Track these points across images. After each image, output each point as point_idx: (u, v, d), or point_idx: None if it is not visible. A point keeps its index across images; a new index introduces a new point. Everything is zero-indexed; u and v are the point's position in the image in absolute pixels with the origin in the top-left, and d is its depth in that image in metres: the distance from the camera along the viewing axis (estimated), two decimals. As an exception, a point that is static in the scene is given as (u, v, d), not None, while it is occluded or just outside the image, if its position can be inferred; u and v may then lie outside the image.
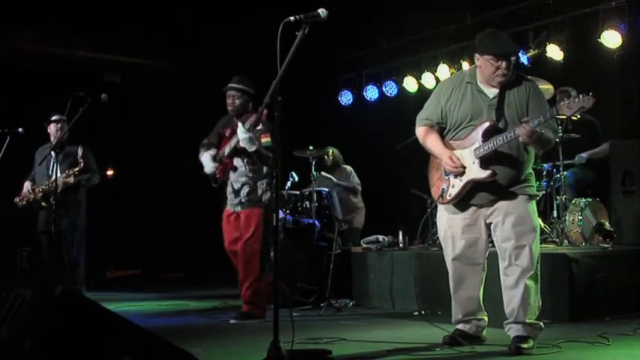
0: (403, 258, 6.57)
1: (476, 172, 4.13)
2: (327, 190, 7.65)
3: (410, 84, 9.63)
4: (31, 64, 9.81)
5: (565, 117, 5.99)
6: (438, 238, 5.30)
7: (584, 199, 6.50)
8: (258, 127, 5.27)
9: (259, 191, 5.79)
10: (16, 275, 8.22)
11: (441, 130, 4.36)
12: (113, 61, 10.43)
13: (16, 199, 7.32)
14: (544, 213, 6.49)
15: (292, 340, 3.74)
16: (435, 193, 4.37)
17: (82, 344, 2.91)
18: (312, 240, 7.04)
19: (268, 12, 7.49)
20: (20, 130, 6.42)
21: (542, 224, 5.86)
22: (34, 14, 9.22)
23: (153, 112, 10.22)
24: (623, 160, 6.42)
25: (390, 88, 10.00)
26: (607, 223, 6.21)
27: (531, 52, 8.17)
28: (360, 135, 9.89)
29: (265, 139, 5.56)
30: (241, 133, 5.46)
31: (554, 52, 7.91)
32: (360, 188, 8.40)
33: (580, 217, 6.38)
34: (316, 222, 7.13)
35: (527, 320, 4.11)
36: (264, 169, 5.79)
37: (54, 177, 6.62)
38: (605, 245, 5.83)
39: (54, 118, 7.25)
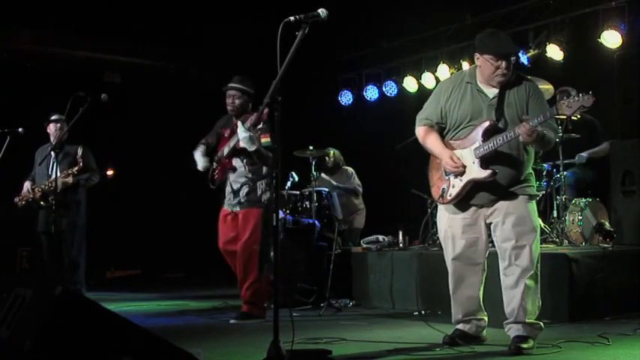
0: (403, 258, 6.57)
1: (476, 171, 4.13)
2: (327, 190, 7.65)
3: (410, 84, 9.63)
4: (31, 64, 9.81)
5: (565, 117, 5.99)
6: (438, 238, 5.30)
7: (584, 199, 6.50)
8: (259, 127, 5.26)
9: (259, 191, 5.79)
10: (16, 275, 8.22)
11: (441, 130, 4.36)
12: (113, 61, 10.44)
13: (16, 199, 7.33)
14: (544, 213, 6.49)
15: (292, 340, 3.74)
16: (435, 193, 4.37)
17: (82, 344, 2.92)
18: (312, 240, 7.04)
19: (268, 12, 7.49)
20: (20, 130, 6.42)
21: (542, 224, 5.86)
22: (34, 14, 9.23)
23: (153, 112, 10.22)
24: (623, 160, 6.42)
25: (390, 88, 10.00)
26: (607, 223, 6.21)
27: (531, 52, 8.18)
28: (360, 135, 9.89)
29: (265, 139, 5.56)
30: (241, 133, 5.46)
31: (554, 52, 7.92)
32: (360, 190, 8.39)
33: (580, 217, 6.38)
34: (316, 222, 7.13)
35: (527, 320, 4.11)
36: (264, 169, 5.79)
37: (53, 177, 6.62)
38: (605, 245, 5.83)
39: (53, 117, 7.26)
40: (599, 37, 7.42)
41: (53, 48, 9.92)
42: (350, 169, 8.51)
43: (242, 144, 5.56)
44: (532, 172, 4.32)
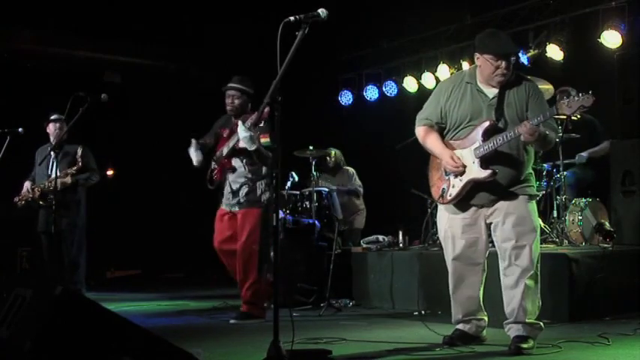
0: (403, 258, 6.57)
1: (476, 171, 4.13)
2: (327, 190, 7.64)
3: (410, 84, 9.63)
4: (31, 64, 9.81)
5: (565, 116, 5.99)
6: (438, 238, 5.30)
7: (584, 199, 6.50)
8: (260, 125, 5.26)
9: (258, 191, 5.78)
10: (16, 275, 8.22)
11: (441, 130, 4.36)
12: (113, 61, 10.44)
13: (16, 199, 7.33)
14: (544, 213, 6.49)
15: (292, 340, 3.74)
16: (435, 193, 4.37)
17: (82, 344, 2.92)
18: (312, 240, 7.04)
19: (268, 12, 7.49)
20: (20, 130, 6.42)
21: (542, 224, 5.86)
22: (34, 14, 9.22)
23: (153, 112, 10.22)
24: (623, 160, 6.42)
25: (390, 88, 10.00)
26: (607, 223, 6.21)
27: (531, 52, 8.17)
28: (360, 135, 9.89)
29: (264, 139, 5.56)
30: (242, 132, 5.44)
31: (554, 52, 7.92)
32: (361, 190, 8.38)
33: (580, 217, 6.38)
34: (316, 222, 7.13)
35: (527, 320, 4.11)
36: (263, 169, 5.79)
37: (53, 176, 6.62)
38: (605, 245, 5.83)
39: (53, 117, 7.26)
40: (599, 37, 7.42)
41: (53, 48, 9.92)
42: (351, 170, 8.50)
43: (242, 143, 5.56)
44: (532, 172, 4.32)
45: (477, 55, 4.21)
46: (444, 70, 9.05)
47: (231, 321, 5.65)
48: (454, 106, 4.26)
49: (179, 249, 10.18)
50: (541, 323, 4.19)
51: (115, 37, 9.93)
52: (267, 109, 4.17)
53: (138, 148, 10.06)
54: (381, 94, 10.14)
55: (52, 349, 2.85)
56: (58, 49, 9.95)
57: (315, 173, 7.65)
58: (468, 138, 4.19)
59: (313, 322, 5.67)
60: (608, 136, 6.85)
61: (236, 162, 5.81)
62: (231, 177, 5.83)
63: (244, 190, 5.78)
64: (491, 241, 4.33)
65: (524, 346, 4.03)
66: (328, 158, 8.42)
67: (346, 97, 10.57)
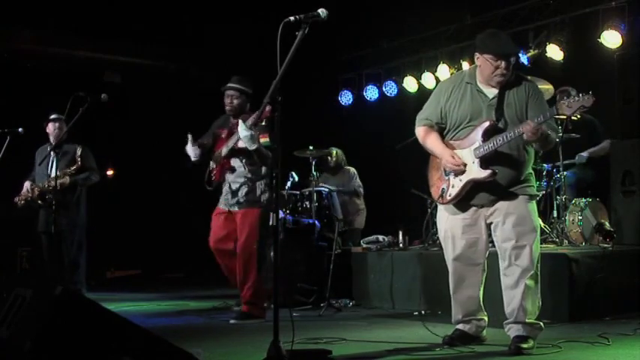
0: (403, 258, 6.57)
1: (476, 171, 4.13)
2: (327, 190, 7.64)
3: (410, 84, 9.63)
4: (31, 64, 9.81)
5: (565, 117, 5.99)
6: (438, 238, 5.30)
7: (584, 199, 6.50)
8: (261, 124, 5.25)
9: (258, 191, 5.78)
10: (16, 275, 8.22)
11: (441, 130, 4.36)
12: (113, 61, 10.43)
13: (16, 199, 7.33)
14: (544, 213, 6.49)
15: (292, 340, 3.74)
16: (434, 193, 4.37)
17: (82, 344, 2.92)
18: (312, 240, 7.03)
19: (268, 12, 7.49)
20: (20, 130, 6.42)
21: (542, 224, 5.86)
22: (34, 14, 9.22)
23: (153, 112, 10.22)
24: (623, 160, 6.42)
25: (390, 88, 10.00)
26: (607, 223, 6.21)
27: (531, 52, 8.18)
28: (360, 135, 9.89)
29: (264, 139, 5.55)
30: (243, 131, 5.43)
31: (554, 52, 7.92)
32: (362, 191, 8.37)
33: (580, 217, 6.38)
34: (316, 222, 7.13)
35: (527, 320, 4.11)
36: (263, 169, 5.79)
37: (52, 175, 6.63)
38: (605, 245, 5.83)
39: (52, 117, 7.27)
40: (599, 37, 7.42)
41: (53, 48, 9.92)
42: (352, 170, 8.49)
43: (242, 143, 5.55)
44: (532, 172, 4.32)
45: (477, 54, 4.21)
46: (444, 70, 9.05)
47: (231, 321, 5.65)
48: (454, 107, 4.26)
49: (179, 249, 10.18)
50: (541, 323, 4.19)
51: (115, 37, 9.93)
52: (268, 108, 4.16)
53: (138, 148, 10.06)
54: (381, 94, 10.14)
55: (52, 349, 2.85)
56: (58, 49, 9.94)
57: (315, 173, 7.65)
58: (467, 138, 4.19)
59: (313, 322, 5.67)
60: (608, 135, 6.85)
61: (235, 162, 5.81)
62: (230, 177, 5.83)
63: (244, 190, 5.78)
64: (492, 241, 4.33)
65: (524, 346, 4.03)
66: (329, 158, 8.41)
67: (346, 97, 10.57)
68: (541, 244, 4.60)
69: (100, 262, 9.19)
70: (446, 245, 4.38)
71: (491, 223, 4.23)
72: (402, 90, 9.78)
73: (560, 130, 6.27)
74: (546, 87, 6.32)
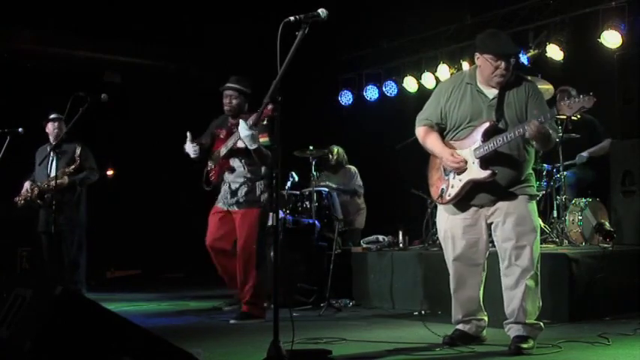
0: (403, 258, 6.57)
1: (475, 172, 4.12)
2: (327, 190, 7.65)
3: (410, 84, 9.63)
4: (31, 64, 9.81)
5: (565, 116, 5.99)
6: (438, 238, 5.29)
7: (584, 199, 6.50)
8: (263, 124, 5.25)
9: (257, 191, 5.78)
10: (16, 275, 8.22)
11: (441, 130, 4.36)
12: (113, 61, 10.43)
13: (16, 199, 7.33)
14: (544, 213, 6.49)
15: (292, 340, 3.74)
16: (434, 193, 4.37)
17: (82, 344, 2.92)
18: (312, 240, 7.03)
19: (268, 12, 7.49)
20: (20, 130, 6.42)
21: (542, 224, 5.86)
22: (34, 14, 9.22)
23: (153, 112, 10.22)
24: (623, 160, 6.42)
25: (390, 88, 10.00)
26: (607, 223, 6.21)
27: (531, 52, 8.17)
28: (360, 135, 9.89)
29: (263, 139, 5.55)
30: (244, 131, 5.42)
31: (554, 52, 7.91)
32: (361, 191, 8.36)
33: (580, 217, 6.38)
34: (316, 222, 7.13)
35: (527, 321, 4.11)
36: (262, 169, 5.79)
37: (52, 175, 6.63)
38: (605, 245, 5.82)
39: (51, 117, 7.27)
40: (599, 37, 7.42)
41: (53, 48, 9.92)
42: (353, 169, 8.47)
43: (242, 142, 5.55)
44: (532, 172, 4.32)
45: (477, 55, 4.21)
46: (444, 70, 9.05)
47: (231, 321, 5.65)
48: (454, 107, 4.26)
49: (179, 249, 10.17)
50: (541, 323, 4.19)
51: (115, 37, 9.93)
52: (270, 107, 4.16)
53: (138, 148, 10.06)
54: (381, 94, 10.14)
55: (52, 349, 2.85)
56: (58, 49, 9.94)
57: (315, 173, 7.65)
58: (467, 138, 4.19)
59: (313, 322, 5.67)
60: (608, 135, 6.85)
61: (234, 162, 5.80)
62: (230, 177, 5.83)
63: (243, 189, 5.78)
64: (492, 241, 4.33)
65: (524, 346, 4.03)
66: (330, 156, 8.40)
67: (346, 97, 10.57)
68: (541, 244, 4.60)
69: (100, 262, 9.19)
70: (446, 245, 4.38)
71: (491, 223, 4.23)
72: (402, 90, 9.78)
73: (560, 130, 6.27)
74: (546, 87, 6.33)
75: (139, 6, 9.47)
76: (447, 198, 4.25)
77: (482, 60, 4.17)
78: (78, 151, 7.06)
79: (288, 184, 7.61)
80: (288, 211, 7.23)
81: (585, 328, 4.70)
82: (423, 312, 5.77)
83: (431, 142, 4.33)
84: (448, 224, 4.34)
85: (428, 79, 9.29)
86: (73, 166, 7.02)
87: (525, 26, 8.37)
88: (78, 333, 2.93)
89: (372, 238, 7.14)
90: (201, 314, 6.36)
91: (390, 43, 10.01)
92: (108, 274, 10.22)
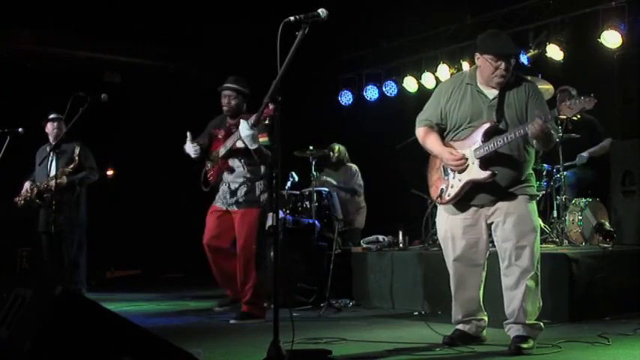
0: (403, 258, 6.57)
1: (475, 172, 4.12)
2: (327, 190, 7.65)
3: (410, 84, 9.63)
4: (31, 64, 9.80)
5: (565, 117, 5.99)
6: (437, 238, 5.29)
7: (584, 199, 6.50)
8: (265, 122, 5.25)
9: (257, 191, 5.78)
10: (16, 275, 8.22)
11: (441, 131, 4.36)
12: (113, 61, 10.43)
13: (16, 199, 7.33)
14: (544, 213, 6.49)
15: (292, 340, 3.74)
16: (433, 193, 4.37)
17: (82, 344, 2.91)
18: (312, 240, 7.03)
19: (268, 12, 7.49)
20: (20, 130, 6.42)
21: (542, 224, 5.86)
22: (34, 14, 9.22)
23: (153, 112, 10.21)
24: (623, 160, 6.42)
25: (390, 88, 10.00)
26: (607, 223, 6.21)
27: (531, 52, 8.17)
28: (360, 135, 9.89)
29: (263, 139, 5.55)
30: (245, 130, 5.41)
31: (554, 52, 7.91)
32: (361, 190, 8.36)
33: (580, 217, 6.38)
34: (316, 222, 7.13)
35: (527, 321, 4.11)
36: (262, 169, 5.79)
37: (51, 174, 6.63)
38: (605, 245, 5.83)
39: (51, 116, 7.28)
40: (599, 37, 7.42)
41: (53, 48, 9.91)
42: (354, 167, 8.47)
43: (241, 143, 5.55)
44: (532, 172, 4.32)
45: (477, 55, 4.21)
46: (444, 70, 9.04)
47: (231, 321, 5.65)
48: (454, 108, 4.26)
49: (179, 249, 10.16)
50: (541, 323, 4.19)
51: (115, 37, 9.93)
52: (271, 107, 4.15)
53: (138, 148, 10.06)
54: (381, 94, 10.14)
55: (52, 349, 2.85)
56: (58, 49, 9.94)
57: (315, 173, 7.65)
58: (468, 139, 4.18)
59: (313, 322, 5.67)
60: (608, 134, 6.85)
61: (233, 162, 5.80)
62: (229, 177, 5.82)
63: (243, 189, 5.78)
64: (492, 241, 4.33)
65: (524, 346, 4.03)
66: (331, 153, 8.39)
67: (346, 97, 10.57)
68: (541, 244, 4.60)
69: (100, 262, 9.19)
70: (446, 246, 4.38)
71: (491, 223, 4.23)
72: (402, 90, 9.78)
73: (560, 130, 6.27)
74: (546, 87, 6.33)
75: (139, 6, 9.47)
76: (447, 198, 4.25)
77: (483, 60, 4.17)
78: (77, 150, 7.06)
79: (288, 184, 7.61)
80: (288, 211, 7.23)
81: (585, 328, 4.70)
82: (422, 312, 5.77)
83: (430, 142, 4.33)
84: (448, 224, 4.34)
85: (428, 79, 9.29)
86: (71, 166, 7.02)
87: (525, 26, 8.36)
88: (78, 333, 2.93)
89: (372, 238, 7.14)
90: (201, 314, 6.36)
91: (390, 43, 10.01)
92: (108, 274, 10.21)
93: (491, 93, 4.20)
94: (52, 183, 6.72)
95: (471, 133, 4.17)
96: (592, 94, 3.88)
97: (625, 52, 6.97)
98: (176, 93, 10.44)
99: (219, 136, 5.88)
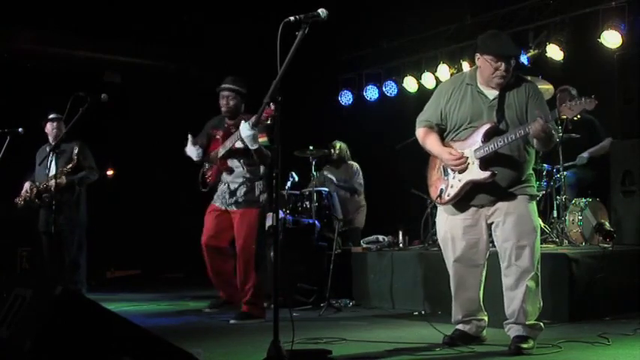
0: (403, 258, 6.57)
1: (475, 172, 4.12)
2: (327, 190, 7.65)
3: (410, 84, 9.63)
4: (31, 64, 9.80)
5: (565, 117, 5.99)
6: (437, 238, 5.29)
7: (584, 199, 6.50)
8: (267, 122, 5.26)
9: (257, 191, 5.78)
10: (16, 275, 8.22)
11: (441, 131, 4.36)
12: (113, 61, 10.43)
13: (16, 199, 7.33)
14: (544, 213, 6.49)
15: (292, 340, 3.74)
16: (433, 193, 4.37)
17: (82, 344, 2.91)
18: (312, 240, 7.04)
19: (268, 12, 7.49)
20: (20, 130, 6.42)
21: (542, 224, 5.86)
22: (34, 14, 9.22)
23: (153, 112, 10.22)
24: (623, 160, 6.43)
25: (390, 88, 10.00)
26: (607, 223, 6.21)
27: (531, 52, 8.17)
28: (360, 135, 9.88)
29: (262, 139, 5.55)
30: (246, 131, 5.40)
31: (554, 52, 7.91)
32: (361, 189, 8.36)
33: (580, 217, 6.38)
34: (316, 222, 7.13)
35: (527, 322, 4.11)
36: (262, 169, 5.79)
37: (50, 174, 6.63)
38: (605, 245, 5.83)
39: (50, 116, 7.27)
40: (599, 37, 7.42)
41: (53, 48, 9.91)
42: (355, 165, 8.46)
43: (240, 143, 5.55)
44: (532, 172, 4.32)
45: (477, 55, 4.21)
46: (444, 70, 9.04)
47: (231, 321, 5.65)
48: (454, 108, 4.26)
49: (179, 249, 10.16)
50: (541, 323, 4.19)
51: (115, 37, 9.93)
52: (272, 106, 4.15)
53: (138, 148, 10.06)
54: (381, 94, 10.14)
55: (52, 349, 2.85)
56: (58, 49, 9.94)
57: (315, 173, 7.65)
58: (468, 139, 4.18)
59: (313, 322, 5.67)
60: (608, 134, 6.85)
61: (233, 162, 5.80)
62: (228, 177, 5.82)
63: (242, 189, 5.78)
64: (492, 241, 4.32)
65: (524, 346, 4.03)
66: (332, 150, 8.38)
67: (346, 97, 10.57)
68: (541, 244, 4.59)
69: (100, 262, 9.19)
70: (445, 246, 4.38)
71: (491, 223, 4.23)
72: (402, 90, 9.78)
73: (560, 130, 6.27)
74: (546, 87, 6.33)
75: (139, 6, 9.47)
76: (446, 198, 4.25)
77: (483, 61, 4.17)
78: (76, 150, 7.05)
79: (288, 184, 7.61)
80: (288, 211, 7.23)
81: (585, 328, 4.70)
82: (422, 312, 5.77)
83: (430, 142, 4.33)
84: (448, 225, 4.34)
85: (428, 79, 9.29)
86: (70, 165, 7.01)
87: (525, 26, 8.36)
88: (78, 333, 2.93)
89: (372, 238, 7.14)
90: (201, 314, 6.36)
91: (390, 43, 10.01)
92: (108, 274, 10.22)
93: (492, 93, 4.20)
94: (52, 183, 6.73)
95: (471, 134, 4.17)
96: (592, 95, 3.88)
97: (625, 52, 6.98)
98: (176, 93, 10.44)
99: (218, 137, 5.87)
